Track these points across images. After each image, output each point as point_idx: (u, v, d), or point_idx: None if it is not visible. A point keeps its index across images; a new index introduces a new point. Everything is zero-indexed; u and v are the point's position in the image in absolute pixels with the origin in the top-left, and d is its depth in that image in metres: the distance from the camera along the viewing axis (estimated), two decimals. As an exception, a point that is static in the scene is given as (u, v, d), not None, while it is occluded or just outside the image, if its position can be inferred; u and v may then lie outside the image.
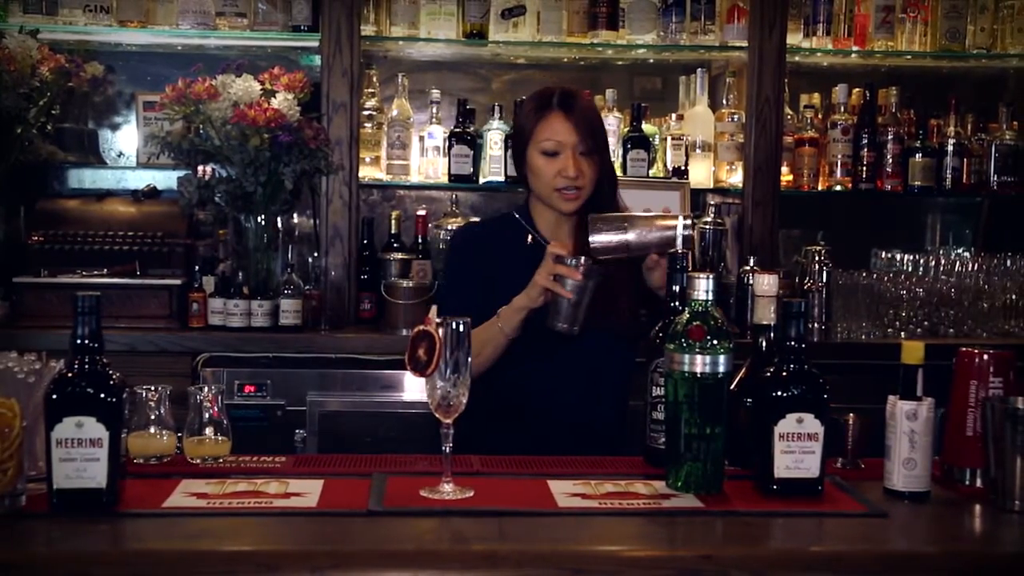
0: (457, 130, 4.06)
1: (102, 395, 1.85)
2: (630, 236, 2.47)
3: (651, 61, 4.36)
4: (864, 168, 4.20)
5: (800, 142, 4.21)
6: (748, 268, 3.88)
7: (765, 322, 2.18)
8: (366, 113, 4.05)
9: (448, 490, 1.99)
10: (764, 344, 2.18)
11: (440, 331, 1.96)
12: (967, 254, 4.18)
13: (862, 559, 1.75)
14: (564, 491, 2.03)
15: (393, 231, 4.02)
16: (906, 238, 4.42)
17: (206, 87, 3.76)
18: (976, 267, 4.01)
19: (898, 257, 4.15)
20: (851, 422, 2.24)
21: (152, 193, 4.01)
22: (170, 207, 3.93)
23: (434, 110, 4.11)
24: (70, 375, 1.86)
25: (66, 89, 3.89)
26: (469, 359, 2.00)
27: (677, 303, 2.22)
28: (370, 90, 4.09)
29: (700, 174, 4.19)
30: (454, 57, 4.33)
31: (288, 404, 3.64)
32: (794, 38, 4.15)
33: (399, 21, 4.02)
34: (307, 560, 1.70)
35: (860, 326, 3.93)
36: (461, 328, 1.98)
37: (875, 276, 3.96)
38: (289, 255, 3.83)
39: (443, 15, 4.03)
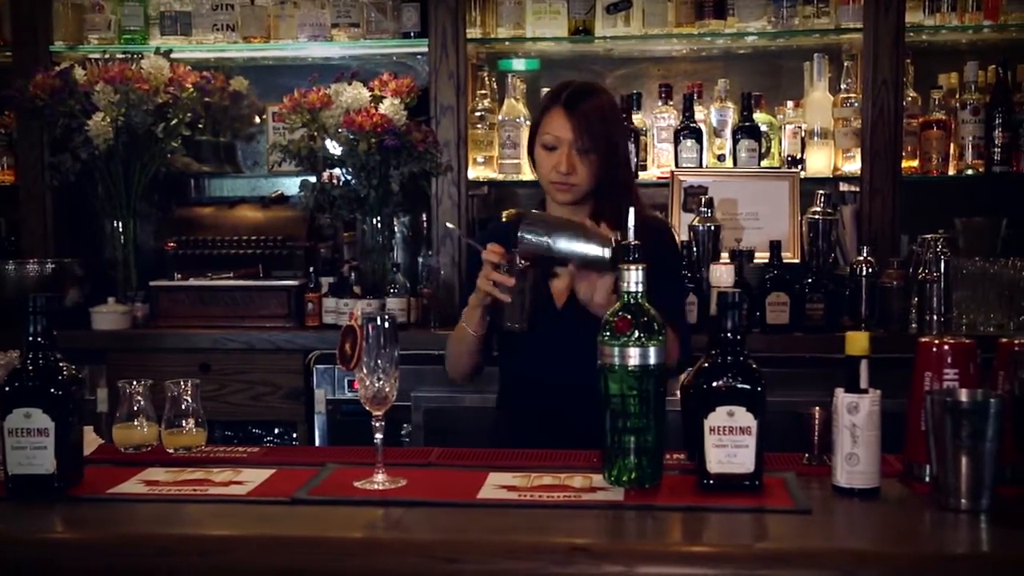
0: (565, 126, 4.06)
1: (50, 388, 2.00)
2: (554, 241, 2.42)
3: (772, 48, 4.23)
4: (998, 150, 3.95)
5: (927, 125, 4.00)
6: (861, 259, 3.73)
7: (720, 314, 2.13)
8: (478, 114, 4.12)
9: (379, 480, 2.04)
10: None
11: (362, 327, 2.02)
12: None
13: (738, 555, 1.67)
14: (496, 483, 2.05)
15: (505, 230, 4.06)
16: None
17: (320, 96, 3.95)
18: None
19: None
20: (816, 416, 2.14)
21: (280, 199, 4.22)
22: (294, 212, 4.15)
23: (545, 108, 4.13)
24: (22, 370, 2.02)
25: (203, 104, 4.15)
26: (396, 353, 2.05)
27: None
28: (482, 91, 4.15)
29: (819, 162, 4.04)
30: (566, 55, 4.34)
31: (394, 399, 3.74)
32: (915, 16, 3.94)
33: (505, 22, 4.07)
34: (198, 544, 1.79)
35: (988, 318, 3.71)
36: (384, 324, 2.03)
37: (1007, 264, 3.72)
38: (396, 255, 3.93)
39: (548, 14, 4.05)
